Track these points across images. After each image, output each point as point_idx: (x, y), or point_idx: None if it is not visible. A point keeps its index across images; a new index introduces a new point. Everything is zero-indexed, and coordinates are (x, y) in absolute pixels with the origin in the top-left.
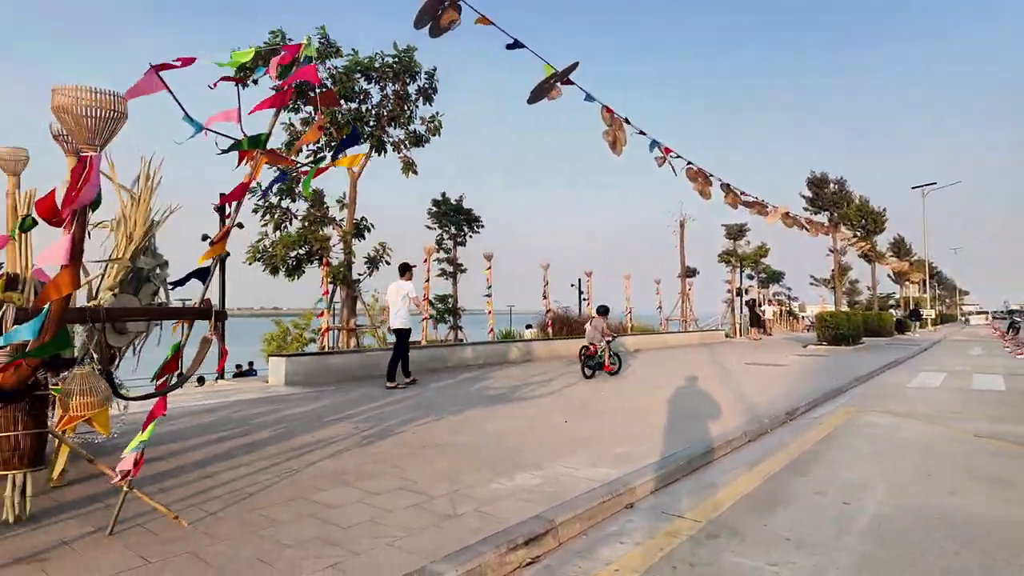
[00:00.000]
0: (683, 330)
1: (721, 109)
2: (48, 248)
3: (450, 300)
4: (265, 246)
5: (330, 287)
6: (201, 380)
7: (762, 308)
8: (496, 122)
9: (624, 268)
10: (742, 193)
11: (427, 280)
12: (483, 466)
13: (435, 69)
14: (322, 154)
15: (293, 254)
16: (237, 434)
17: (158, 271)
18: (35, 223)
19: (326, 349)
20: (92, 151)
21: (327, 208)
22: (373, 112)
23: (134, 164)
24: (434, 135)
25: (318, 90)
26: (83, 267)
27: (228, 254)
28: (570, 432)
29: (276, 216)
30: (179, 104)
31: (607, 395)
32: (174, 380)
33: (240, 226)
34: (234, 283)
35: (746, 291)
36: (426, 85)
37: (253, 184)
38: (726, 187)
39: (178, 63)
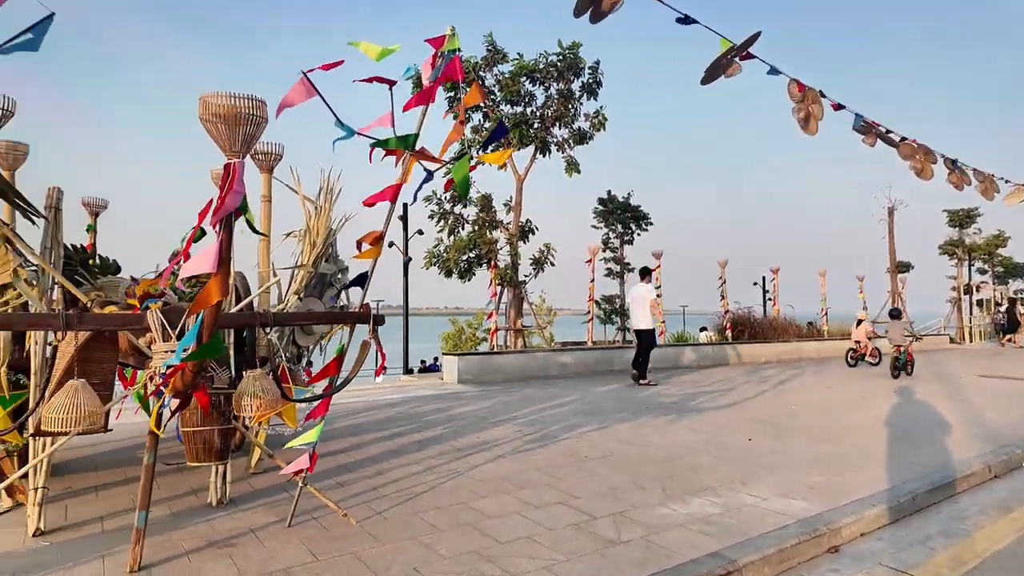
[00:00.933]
0: None
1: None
2: (196, 256)
3: (617, 300)
4: (440, 251)
5: (498, 289)
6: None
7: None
8: (657, 110)
9: (817, 263)
10: (974, 170)
11: (592, 280)
12: (651, 485)
13: (598, 63)
14: (466, 151)
15: (464, 257)
16: (411, 430)
17: (339, 276)
18: (204, 232)
19: (494, 349)
20: (236, 158)
21: (495, 212)
22: (538, 114)
23: (313, 176)
24: (598, 131)
25: (462, 86)
26: (272, 271)
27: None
28: (755, 452)
29: (450, 222)
30: (331, 109)
31: (800, 409)
32: (338, 383)
33: (420, 232)
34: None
35: (977, 288)
36: (590, 80)
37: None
38: (951, 164)
39: (325, 68)
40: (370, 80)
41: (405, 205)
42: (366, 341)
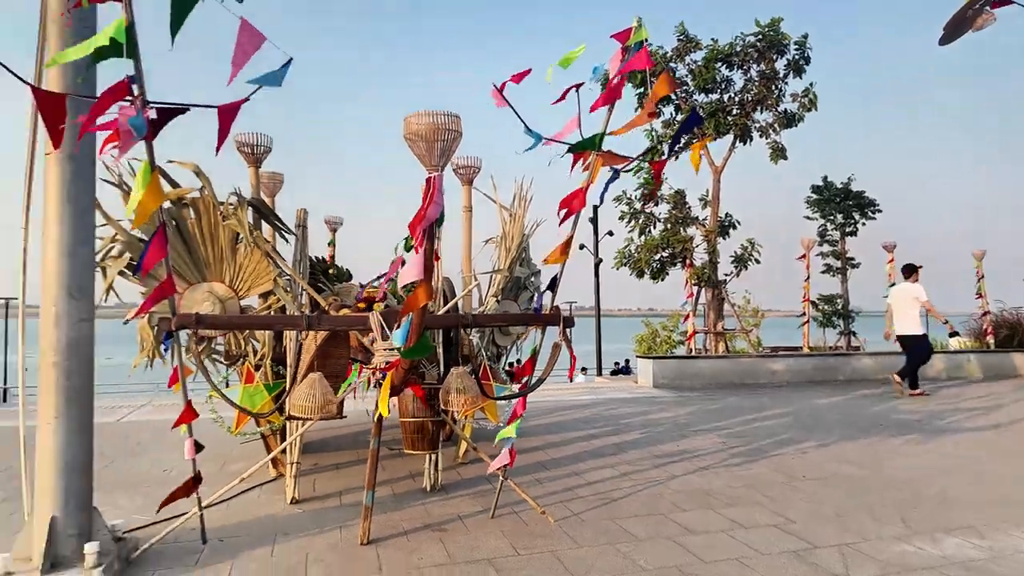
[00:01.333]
0: None
1: None
2: (407, 266)
3: (839, 301)
4: (631, 251)
5: (695, 289)
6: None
7: None
8: (885, 78)
9: None
10: None
11: (807, 278)
12: (888, 515)
13: (806, 37)
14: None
15: (656, 257)
16: (607, 432)
17: (532, 279)
18: (412, 244)
19: (692, 353)
20: (435, 171)
21: (688, 208)
22: (736, 99)
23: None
24: (808, 111)
25: (649, 76)
26: (473, 276)
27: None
28: None
29: (641, 221)
30: (520, 118)
31: None
32: (532, 383)
33: (610, 233)
34: (612, 284)
35: None
36: (796, 56)
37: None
38: None
39: (515, 80)
40: (562, 97)
41: (595, 207)
42: (557, 343)
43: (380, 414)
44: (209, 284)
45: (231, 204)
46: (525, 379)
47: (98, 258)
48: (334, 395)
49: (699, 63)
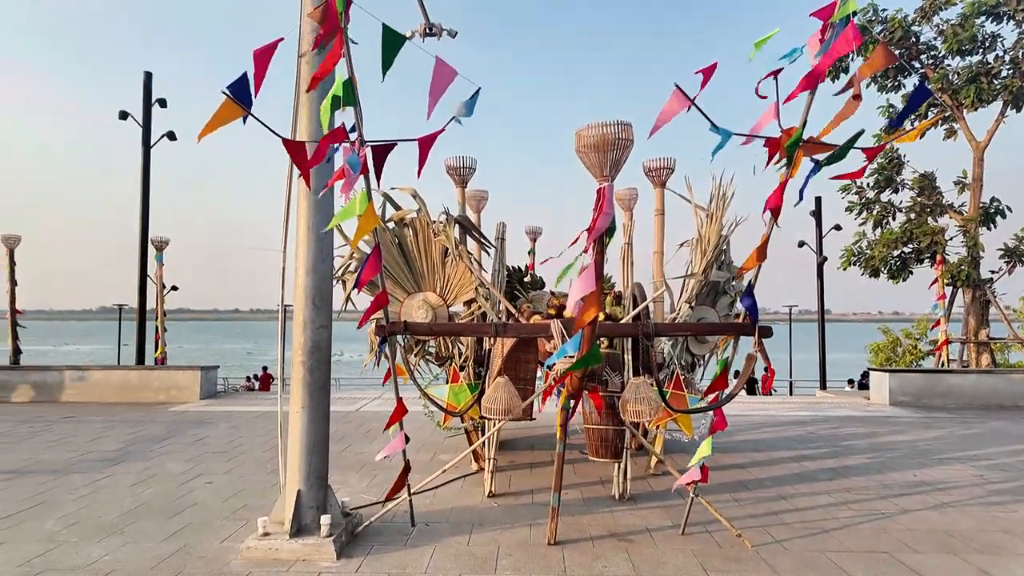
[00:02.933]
0: None
1: None
2: (580, 278)
3: None
4: (862, 247)
5: (947, 289)
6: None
7: None
8: None
9: None
10: None
11: None
12: None
13: None
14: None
15: (896, 253)
16: (823, 455)
17: (732, 283)
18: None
19: (944, 366)
20: (605, 182)
21: (940, 194)
22: (1006, 58)
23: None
24: None
25: (854, 52)
26: (664, 282)
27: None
28: None
29: (875, 212)
30: (706, 117)
31: None
32: (723, 396)
33: (838, 227)
34: (845, 285)
35: None
36: None
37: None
38: None
39: (705, 75)
40: (756, 90)
41: (818, 199)
42: (751, 354)
43: (563, 420)
44: (424, 294)
45: (441, 222)
46: (717, 393)
47: (338, 273)
48: (519, 398)
49: (952, 21)
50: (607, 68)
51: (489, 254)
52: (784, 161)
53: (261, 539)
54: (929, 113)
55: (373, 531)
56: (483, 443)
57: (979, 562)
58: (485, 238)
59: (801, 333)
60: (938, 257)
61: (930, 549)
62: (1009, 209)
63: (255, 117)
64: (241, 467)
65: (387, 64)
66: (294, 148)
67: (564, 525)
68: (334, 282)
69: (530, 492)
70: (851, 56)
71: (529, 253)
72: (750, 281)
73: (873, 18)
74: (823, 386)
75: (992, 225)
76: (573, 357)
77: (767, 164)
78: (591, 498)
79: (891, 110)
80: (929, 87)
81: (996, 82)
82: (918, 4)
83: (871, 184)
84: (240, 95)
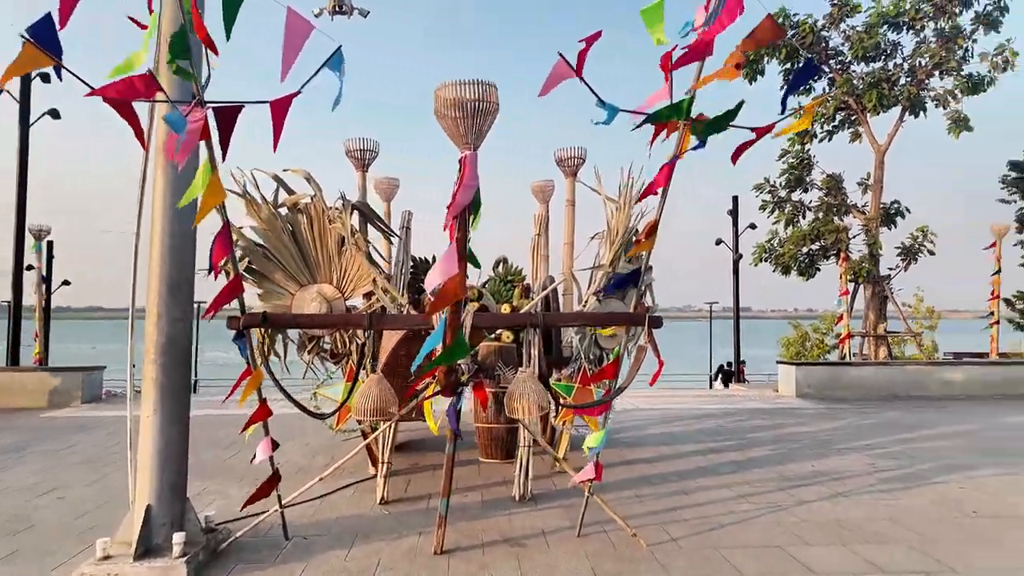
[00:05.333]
0: None
1: None
2: (440, 260)
3: None
4: (773, 244)
5: (850, 286)
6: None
7: None
8: None
9: None
10: None
11: (996, 272)
12: None
13: None
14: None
15: (805, 250)
16: (729, 447)
17: (644, 276)
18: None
19: (846, 358)
20: (468, 150)
21: (845, 194)
22: (905, 66)
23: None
24: (1003, 71)
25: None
26: (572, 273)
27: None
28: None
29: (787, 211)
30: (592, 91)
31: None
32: (615, 389)
33: (752, 226)
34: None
35: None
36: (990, 7)
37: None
38: None
39: (587, 44)
40: (667, 70)
41: (735, 198)
42: (642, 346)
43: (453, 419)
44: (318, 286)
45: (338, 208)
46: (608, 385)
47: (221, 264)
48: (395, 398)
49: (859, 28)
50: (610, 65)
51: (392, 243)
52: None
53: (99, 563)
54: (836, 116)
55: (241, 547)
56: (380, 446)
57: (865, 552)
58: (388, 226)
59: (721, 329)
60: (842, 254)
61: (821, 541)
62: (908, 210)
63: (63, 66)
64: (107, 479)
65: (229, 23)
66: (121, 107)
67: (456, 532)
68: (210, 273)
69: (427, 497)
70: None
71: None
72: (637, 269)
73: (784, 23)
74: (739, 380)
75: (892, 225)
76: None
77: (651, 142)
78: (491, 500)
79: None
80: (817, 65)
81: (896, 89)
82: (827, 11)
83: (783, 184)
84: (45, 40)
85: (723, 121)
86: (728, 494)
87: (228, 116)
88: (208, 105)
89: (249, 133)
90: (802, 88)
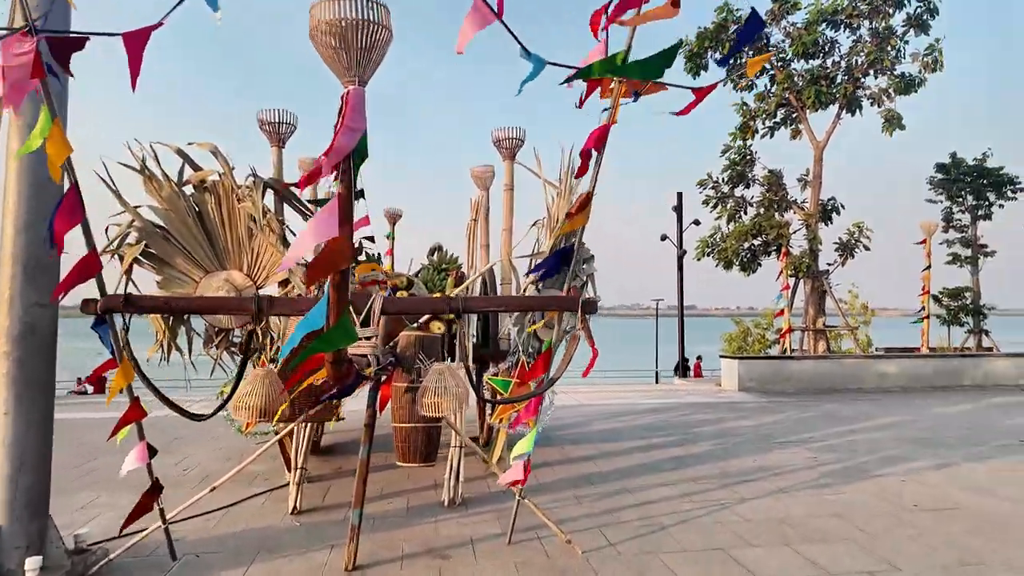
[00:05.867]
0: None
1: None
2: (316, 220)
3: (967, 295)
4: (716, 239)
5: (790, 281)
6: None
7: None
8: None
9: None
10: None
11: (927, 268)
12: None
13: None
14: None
15: (746, 245)
16: (672, 442)
17: (584, 266)
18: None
19: (786, 352)
20: (351, 85)
21: (785, 191)
22: (842, 64)
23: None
24: (932, 71)
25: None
26: (511, 260)
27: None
28: None
29: (729, 207)
30: (517, 40)
31: None
32: (545, 382)
33: (696, 223)
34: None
35: None
36: (920, 9)
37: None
38: None
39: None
40: (594, 28)
41: (680, 194)
42: (575, 334)
43: (368, 418)
44: (227, 272)
45: (248, 187)
46: (541, 379)
47: (114, 245)
48: (283, 396)
49: (799, 25)
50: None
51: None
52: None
53: None
54: (778, 112)
55: (119, 569)
56: (294, 449)
57: (809, 552)
58: (307, 207)
59: (668, 326)
60: (783, 249)
61: (764, 541)
62: (843, 206)
63: None
64: None
65: None
66: None
67: (375, 543)
68: (52, 248)
69: (347, 506)
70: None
71: (388, 237)
72: (568, 248)
73: (728, 18)
74: (682, 374)
75: (829, 221)
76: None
77: (581, 102)
78: (418, 507)
79: (745, 107)
80: (763, 19)
81: (834, 86)
82: (769, 6)
83: (725, 180)
84: None
85: (660, 64)
86: (670, 492)
87: (65, 48)
88: (41, 35)
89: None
90: (747, 80)
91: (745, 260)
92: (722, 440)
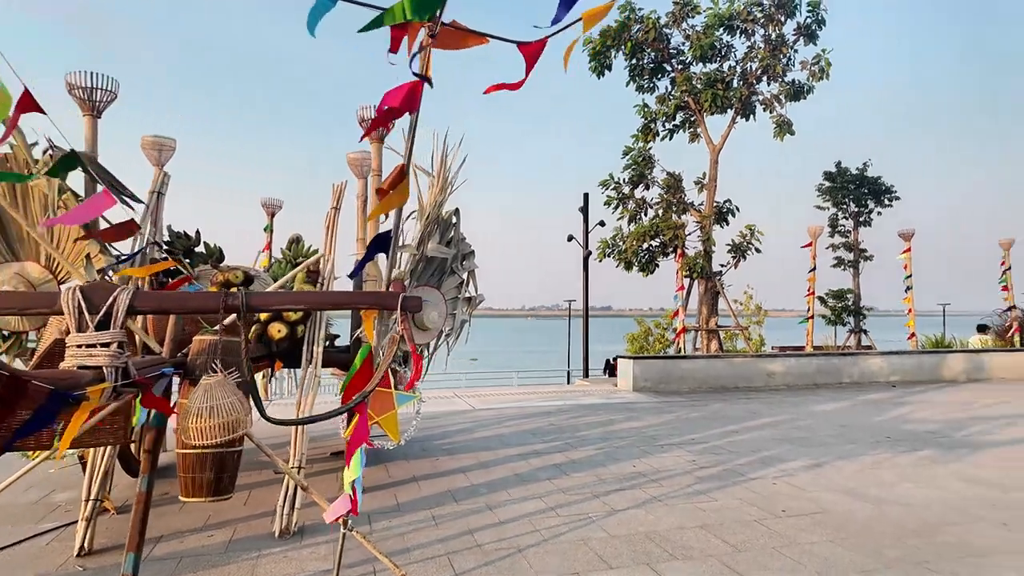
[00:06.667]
0: None
1: None
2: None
3: (849, 296)
4: (616, 240)
5: (686, 281)
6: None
7: None
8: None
9: None
10: None
11: (812, 270)
12: (904, 567)
13: None
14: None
15: (645, 246)
16: (555, 448)
17: (464, 262)
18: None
19: (682, 352)
20: None
21: (684, 192)
22: (738, 69)
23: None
24: (819, 80)
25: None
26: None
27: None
28: None
29: (631, 208)
30: None
31: None
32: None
33: (601, 223)
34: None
35: None
36: (808, 20)
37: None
38: None
39: None
40: None
41: (586, 195)
42: (393, 336)
43: (149, 442)
44: (21, 264)
45: (45, 162)
46: (362, 392)
47: None
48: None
49: (698, 28)
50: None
51: (133, 209)
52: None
53: None
54: (677, 115)
55: None
56: (88, 476)
57: (669, 572)
58: (125, 189)
59: (578, 327)
60: (679, 251)
61: (626, 561)
62: (738, 209)
63: None
64: None
65: None
66: None
67: None
68: None
69: (156, 540)
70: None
71: (266, 230)
72: (385, 233)
73: (631, 17)
74: (585, 375)
75: (724, 223)
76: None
77: (392, 49)
78: (243, 539)
79: (646, 109)
80: None
81: (730, 91)
82: (670, 8)
83: (626, 180)
84: None
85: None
86: (538, 507)
87: None
88: None
89: None
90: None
91: (644, 261)
92: (606, 444)
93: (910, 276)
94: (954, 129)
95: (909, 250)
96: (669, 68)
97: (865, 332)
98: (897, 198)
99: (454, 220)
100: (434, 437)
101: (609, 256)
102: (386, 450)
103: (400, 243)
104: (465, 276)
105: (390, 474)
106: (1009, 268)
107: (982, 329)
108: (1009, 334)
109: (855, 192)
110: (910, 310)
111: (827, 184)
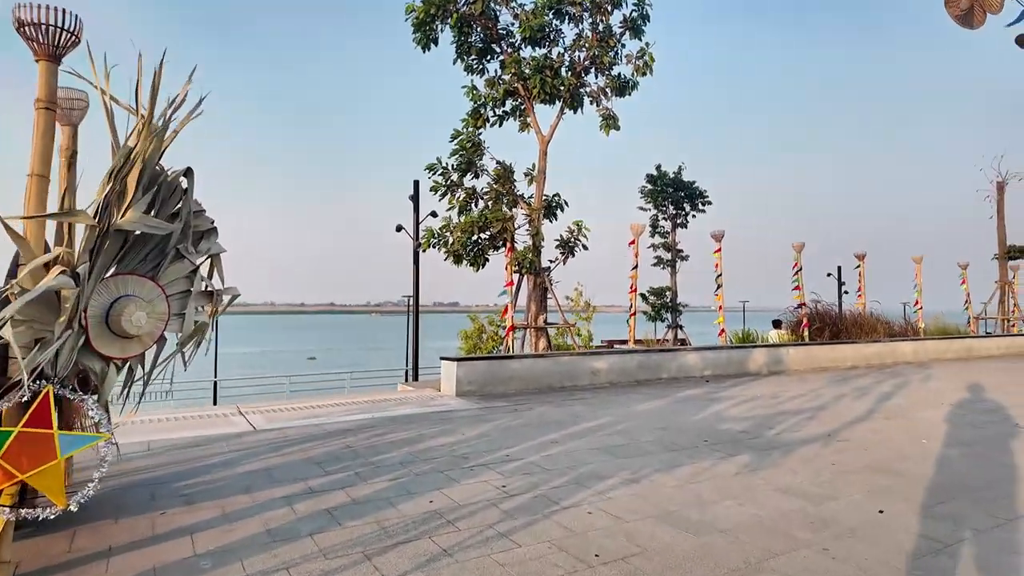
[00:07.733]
0: (1003, 332)
1: None
2: None
3: (668, 294)
4: (444, 232)
5: (515, 277)
6: None
7: None
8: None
9: (907, 250)
10: None
11: (635, 267)
12: None
13: None
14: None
15: (474, 239)
16: (336, 483)
17: (200, 244)
18: None
19: (510, 351)
20: None
21: (514, 184)
22: (567, 58)
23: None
24: (643, 75)
25: None
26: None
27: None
28: (901, 541)
29: (460, 198)
30: None
31: (936, 443)
32: None
33: (433, 214)
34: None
35: None
36: (634, 13)
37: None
38: None
39: None
40: None
41: (416, 183)
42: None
43: None
44: None
45: None
46: None
47: None
48: None
49: (527, 8)
50: None
51: None
52: None
53: None
54: (507, 101)
55: None
56: None
57: None
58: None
59: (427, 322)
60: (508, 245)
61: None
62: (567, 203)
63: None
64: None
65: None
66: None
67: None
68: None
69: None
70: None
71: None
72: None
73: None
74: (415, 377)
75: (553, 217)
76: None
77: None
78: None
79: (475, 92)
80: None
81: (558, 79)
82: None
83: (455, 166)
84: None
85: None
86: None
87: None
88: None
89: None
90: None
91: (473, 254)
92: (404, 470)
93: (720, 274)
94: (760, 134)
95: (720, 250)
96: (498, 49)
97: (681, 327)
98: (709, 203)
99: (183, 184)
100: (181, 476)
101: (434, 247)
102: (48, 519)
103: (68, 204)
104: (200, 262)
105: (74, 545)
106: (800, 269)
107: (777, 324)
108: (800, 329)
109: (673, 195)
110: (720, 307)
111: (649, 187)
